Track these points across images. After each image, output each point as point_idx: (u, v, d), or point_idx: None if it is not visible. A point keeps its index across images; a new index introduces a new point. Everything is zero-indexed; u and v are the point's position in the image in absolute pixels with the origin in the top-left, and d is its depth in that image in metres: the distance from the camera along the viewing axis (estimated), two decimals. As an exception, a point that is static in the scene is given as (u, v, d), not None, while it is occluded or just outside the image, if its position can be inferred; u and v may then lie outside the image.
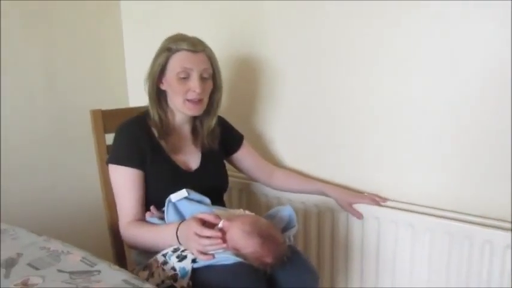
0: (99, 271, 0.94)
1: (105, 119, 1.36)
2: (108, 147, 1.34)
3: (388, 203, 1.36)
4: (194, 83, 1.21)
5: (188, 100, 1.22)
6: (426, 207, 1.31)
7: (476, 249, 1.20)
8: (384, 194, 1.38)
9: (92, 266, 0.96)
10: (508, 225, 1.18)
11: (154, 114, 1.26)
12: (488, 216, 1.22)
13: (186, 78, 1.21)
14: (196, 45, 1.22)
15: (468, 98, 1.21)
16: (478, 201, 1.24)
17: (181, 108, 1.24)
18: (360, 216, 1.36)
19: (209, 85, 1.26)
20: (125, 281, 0.91)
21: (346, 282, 1.47)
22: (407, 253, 1.32)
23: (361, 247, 1.41)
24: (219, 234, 1.01)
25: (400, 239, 1.33)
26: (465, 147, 1.24)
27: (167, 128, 1.27)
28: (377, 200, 1.36)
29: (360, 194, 1.39)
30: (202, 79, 1.22)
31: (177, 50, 1.22)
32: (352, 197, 1.37)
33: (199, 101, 1.23)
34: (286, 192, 1.50)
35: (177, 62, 1.21)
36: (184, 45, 1.21)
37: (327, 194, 1.39)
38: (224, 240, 1.02)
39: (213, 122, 1.33)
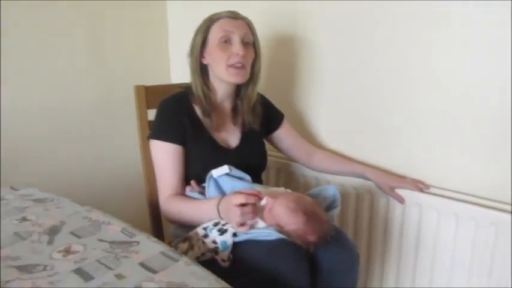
0: (137, 242, 0.96)
1: (148, 94, 1.38)
2: (150, 122, 1.35)
3: (432, 190, 1.31)
4: (236, 47, 1.20)
5: (231, 66, 1.21)
6: (471, 195, 1.25)
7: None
8: (428, 180, 1.33)
9: (131, 237, 0.98)
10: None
11: (197, 89, 1.26)
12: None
13: (227, 43, 1.21)
14: (236, 13, 1.24)
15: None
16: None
17: (224, 76, 1.22)
18: (402, 200, 1.32)
19: (251, 52, 1.25)
20: (162, 253, 0.93)
21: (382, 267, 1.44)
22: (449, 242, 1.27)
23: (400, 233, 1.37)
24: (257, 200, 1.04)
25: (442, 227, 1.28)
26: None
27: (210, 104, 1.27)
28: (420, 186, 1.31)
29: (402, 179, 1.35)
30: (244, 44, 1.21)
31: (218, 19, 1.22)
32: (394, 180, 1.33)
33: (242, 66, 1.22)
34: (325, 173, 1.47)
35: (218, 28, 1.21)
36: (224, 13, 1.22)
37: (368, 177, 1.36)
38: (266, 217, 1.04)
39: (255, 93, 1.31)
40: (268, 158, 1.40)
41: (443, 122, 1.28)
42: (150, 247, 0.94)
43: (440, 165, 1.32)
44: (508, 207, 1.18)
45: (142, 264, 0.88)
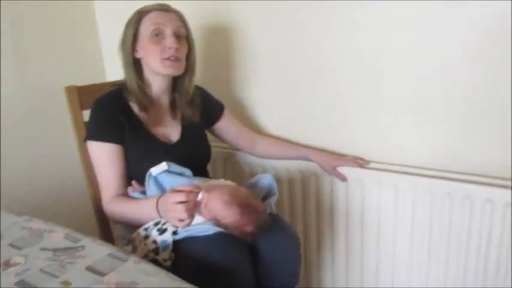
0: (83, 246, 0.94)
1: (81, 95, 1.32)
2: (86, 124, 1.31)
3: (371, 165, 1.37)
4: (169, 40, 1.18)
5: (165, 59, 1.19)
6: (408, 166, 1.32)
7: (457, 206, 1.23)
8: (368, 156, 1.39)
9: (75, 242, 0.96)
10: (488, 180, 1.20)
11: (132, 83, 1.22)
12: (469, 173, 1.24)
13: (159, 37, 1.18)
14: (167, 6, 1.22)
15: (459, 55, 1.20)
16: (460, 159, 1.26)
17: (159, 69, 1.20)
18: (344, 178, 1.37)
19: (184, 46, 1.23)
20: (110, 254, 0.91)
21: (333, 245, 1.49)
22: (391, 214, 1.34)
23: (345, 210, 1.43)
24: (194, 195, 1.03)
25: (383, 200, 1.34)
26: (455, 105, 1.24)
27: (146, 99, 1.24)
28: (360, 162, 1.36)
29: (342, 157, 1.40)
30: (176, 37, 1.20)
31: (148, 11, 1.20)
32: (335, 160, 1.38)
33: (177, 59, 1.20)
34: (270, 159, 1.50)
35: (150, 21, 1.19)
36: (155, 6, 1.20)
37: (311, 158, 1.40)
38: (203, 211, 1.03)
39: (191, 86, 1.30)
40: (213, 149, 1.40)
41: (379, 98, 1.34)
42: (96, 250, 0.93)
43: (378, 140, 1.38)
44: (444, 174, 1.26)
45: (89, 268, 0.86)
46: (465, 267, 1.26)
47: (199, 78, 1.34)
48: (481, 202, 1.19)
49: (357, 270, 1.46)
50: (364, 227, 1.41)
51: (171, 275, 0.84)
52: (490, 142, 1.21)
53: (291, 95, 1.50)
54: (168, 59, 1.19)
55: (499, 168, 1.20)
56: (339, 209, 1.44)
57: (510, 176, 1.19)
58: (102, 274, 0.84)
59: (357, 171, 1.36)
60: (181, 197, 1.01)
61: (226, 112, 1.44)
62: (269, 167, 1.52)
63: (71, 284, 0.80)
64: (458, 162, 1.26)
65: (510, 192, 1.15)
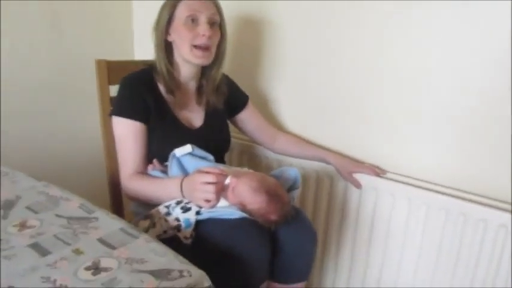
0: (96, 218, 0.96)
1: (110, 70, 1.34)
2: (111, 98, 1.33)
3: (388, 175, 1.36)
4: (203, 27, 1.18)
5: (196, 47, 1.19)
6: (424, 181, 1.31)
7: (471, 227, 1.21)
8: (384, 165, 1.39)
9: (89, 213, 0.97)
10: (504, 205, 1.18)
11: (162, 67, 1.24)
12: (485, 195, 1.22)
13: (194, 23, 1.19)
14: None
15: (476, 77, 1.19)
16: (476, 180, 1.24)
17: (189, 56, 1.21)
18: (358, 185, 1.37)
19: (217, 33, 1.24)
20: (123, 229, 0.92)
21: (338, 248, 1.49)
22: (401, 225, 1.34)
23: (356, 216, 1.42)
24: (222, 178, 1.05)
25: (396, 211, 1.34)
26: (469, 125, 1.23)
27: (173, 82, 1.25)
28: (377, 171, 1.36)
29: (360, 164, 1.39)
30: (210, 25, 1.20)
31: None
32: (352, 165, 1.37)
33: (207, 48, 1.20)
34: (287, 156, 1.50)
35: (185, 7, 1.19)
36: None
37: (328, 161, 1.40)
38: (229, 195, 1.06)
39: (219, 74, 1.31)
40: (232, 139, 1.41)
41: (402, 109, 1.33)
42: (109, 223, 0.94)
43: (397, 151, 1.37)
44: (458, 193, 1.25)
45: (101, 240, 0.87)
46: (470, 289, 1.25)
47: (226, 67, 1.35)
48: (495, 227, 1.17)
49: (360, 277, 1.46)
50: (372, 236, 1.40)
51: (180, 257, 0.84)
52: (508, 167, 1.19)
53: (315, 95, 1.50)
54: (199, 46, 1.19)
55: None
56: (349, 214, 1.44)
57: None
58: (113, 247, 0.85)
59: (373, 179, 1.35)
60: (210, 178, 1.03)
61: (250, 104, 1.45)
62: (285, 164, 1.52)
63: (82, 253, 0.82)
64: (474, 183, 1.24)
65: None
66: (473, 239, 1.22)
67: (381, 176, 1.36)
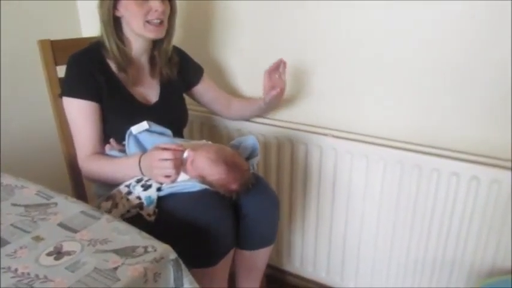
0: (55, 203, 0.94)
1: (55, 49, 1.29)
2: (60, 79, 1.28)
3: (345, 135, 1.39)
4: (155, 3, 1.15)
5: (149, 22, 1.17)
6: (380, 138, 1.35)
7: (425, 177, 1.27)
8: (340, 126, 1.41)
9: (48, 199, 0.96)
10: (455, 154, 1.24)
11: (111, 44, 1.20)
12: (437, 146, 1.28)
13: None
14: None
15: (429, 34, 1.21)
16: (429, 133, 1.29)
17: (142, 32, 1.18)
18: (280, 94, 1.31)
19: (168, 7, 1.21)
20: (83, 212, 0.92)
21: (304, 208, 1.53)
22: (361, 182, 1.38)
23: (318, 177, 1.46)
24: (180, 153, 1.05)
25: (355, 168, 1.38)
26: (426, 81, 1.26)
27: (125, 59, 1.22)
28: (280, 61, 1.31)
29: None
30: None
31: None
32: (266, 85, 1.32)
33: (161, 23, 1.18)
34: (244, 121, 1.51)
35: None
36: None
37: (265, 100, 1.34)
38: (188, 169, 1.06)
39: (170, 46, 1.29)
40: (190, 112, 1.40)
41: (359, 70, 1.35)
42: (69, 207, 0.93)
43: (352, 112, 1.40)
44: (412, 147, 1.29)
45: (61, 225, 0.87)
46: (428, 235, 1.32)
47: (178, 41, 1.32)
48: (447, 175, 1.24)
49: (326, 233, 1.52)
50: (335, 193, 1.45)
51: (143, 234, 0.85)
52: (458, 118, 1.24)
53: (269, 60, 1.48)
54: (152, 22, 1.17)
55: (466, 144, 1.24)
56: (312, 176, 1.47)
57: (475, 152, 1.23)
58: (74, 231, 0.85)
59: (331, 140, 1.38)
60: (168, 154, 1.03)
61: (205, 76, 1.44)
62: (246, 132, 1.52)
63: (42, 239, 0.81)
64: (428, 136, 1.29)
65: (475, 166, 1.20)
66: (428, 189, 1.28)
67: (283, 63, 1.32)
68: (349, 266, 1.52)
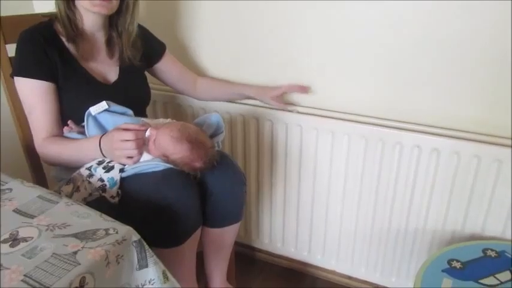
0: (10, 189, 0.91)
1: (4, 26, 1.21)
2: (11, 59, 1.21)
3: (310, 111, 1.39)
4: None
5: None
6: (344, 113, 1.36)
7: (388, 150, 1.29)
8: (307, 102, 1.41)
9: (1, 185, 0.91)
10: (417, 127, 1.27)
11: (61, 13, 1.13)
12: (401, 120, 1.30)
13: None
14: None
15: (398, 9, 1.21)
16: (393, 107, 1.31)
17: (87, 6, 1.11)
18: (285, 107, 1.38)
19: None
20: (40, 196, 0.89)
21: (271, 185, 1.54)
22: (327, 156, 1.40)
23: (284, 153, 1.46)
24: (141, 133, 1.02)
25: (320, 143, 1.39)
26: (387, 55, 1.27)
27: (76, 29, 1.15)
28: (295, 87, 1.37)
29: (277, 86, 1.38)
30: None
31: None
32: (272, 90, 1.37)
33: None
34: (211, 101, 1.49)
35: None
36: None
37: (248, 95, 1.39)
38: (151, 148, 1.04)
39: (134, 26, 1.22)
40: (153, 91, 1.36)
41: (326, 45, 1.34)
42: (25, 193, 0.89)
43: (318, 87, 1.39)
44: (376, 121, 1.31)
45: (17, 211, 0.83)
46: (391, 207, 1.36)
47: (141, 19, 1.26)
48: (409, 148, 1.26)
49: (294, 208, 1.53)
50: (301, 169, 1.46)
51: (104, 216, 0.83)
52: (420, 92, 1.26)
53: (234, 37, 1.46)
54: None
55: (428, 117, 1.27)
56: (278, 152, 1.47)
57: (438, 124, 1.26)
58: (31, 216, 0.82)
59: (296, 117, 1.38)
60: (129, 135, 1.00)
61: (167, 53, 1.39)
62: (211, 110, 1.50)
63: (-3, 226, 0.77)
64: (391, 110, 1.31)
65: (437, 138, 1.23)
66: (391, 161, 1.30)
67: (305, 93, 1.38)
68: (317, 239, 1.54)
